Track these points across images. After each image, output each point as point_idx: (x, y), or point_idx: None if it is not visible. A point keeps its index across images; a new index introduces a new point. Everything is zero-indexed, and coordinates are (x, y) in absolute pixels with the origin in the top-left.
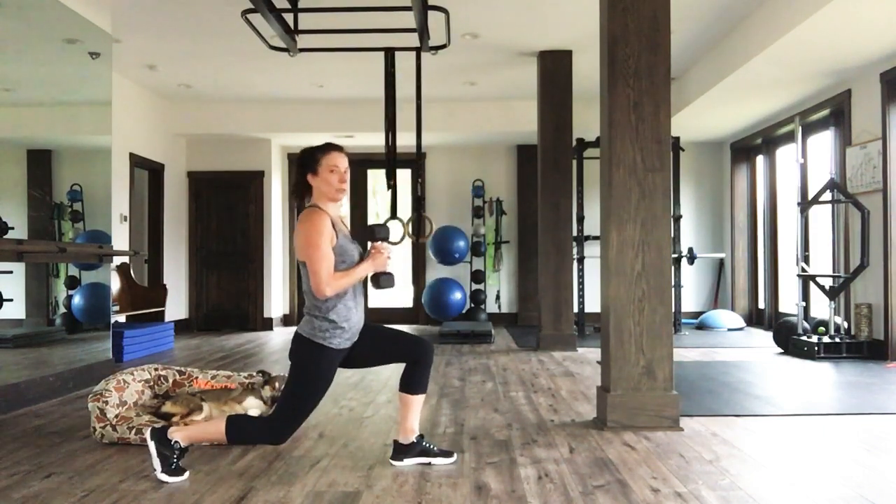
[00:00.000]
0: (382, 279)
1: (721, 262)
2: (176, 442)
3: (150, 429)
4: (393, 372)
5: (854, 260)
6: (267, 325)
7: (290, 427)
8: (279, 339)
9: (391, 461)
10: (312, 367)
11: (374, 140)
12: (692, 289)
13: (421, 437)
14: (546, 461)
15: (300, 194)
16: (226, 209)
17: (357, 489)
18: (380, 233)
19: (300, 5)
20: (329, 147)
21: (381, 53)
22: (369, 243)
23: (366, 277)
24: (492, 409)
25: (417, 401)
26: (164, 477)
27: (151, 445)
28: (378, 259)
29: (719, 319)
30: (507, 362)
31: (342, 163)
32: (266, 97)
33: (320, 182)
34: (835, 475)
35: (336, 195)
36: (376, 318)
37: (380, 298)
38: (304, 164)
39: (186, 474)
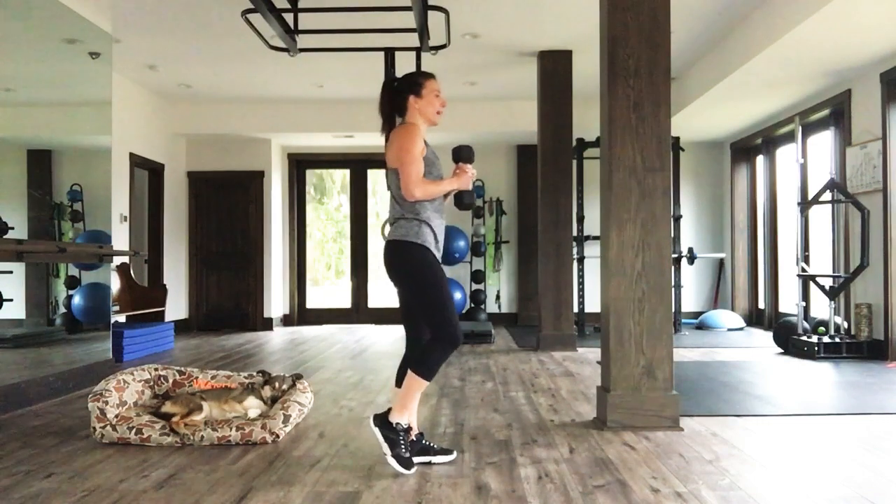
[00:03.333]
0: (466, 196)
1: (721, 262)
2: (398, 424)
3: (373, 415)
4: (393, 372)
5: (854, 260)
6: (267, 325)
7: (454, 326)
8: (279, 339)
9: None
10: (426, 264)
11: (374, 140)
12: (692, 289)
13: (420, 435)
14: (546, 461)
15: (393, 113)
16: (226, 209)
17: (357, 489)
18: (465, 153)
19: (300, 5)
20: (430, 73)
21: (381, 53)
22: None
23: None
24: (492, 409)
25: None
26: (392, 462)
27: (376, 431)
28: (463, 178)
29: (719, 319)
30: (507, 362)
31: (440, 88)
32: (266, 97)
33: (424, 104)
34: (835, 475)
35: (436, 118)
36: (378, 318)
37: (380, 298)
38: (409, 86)
39: (414, 469)
